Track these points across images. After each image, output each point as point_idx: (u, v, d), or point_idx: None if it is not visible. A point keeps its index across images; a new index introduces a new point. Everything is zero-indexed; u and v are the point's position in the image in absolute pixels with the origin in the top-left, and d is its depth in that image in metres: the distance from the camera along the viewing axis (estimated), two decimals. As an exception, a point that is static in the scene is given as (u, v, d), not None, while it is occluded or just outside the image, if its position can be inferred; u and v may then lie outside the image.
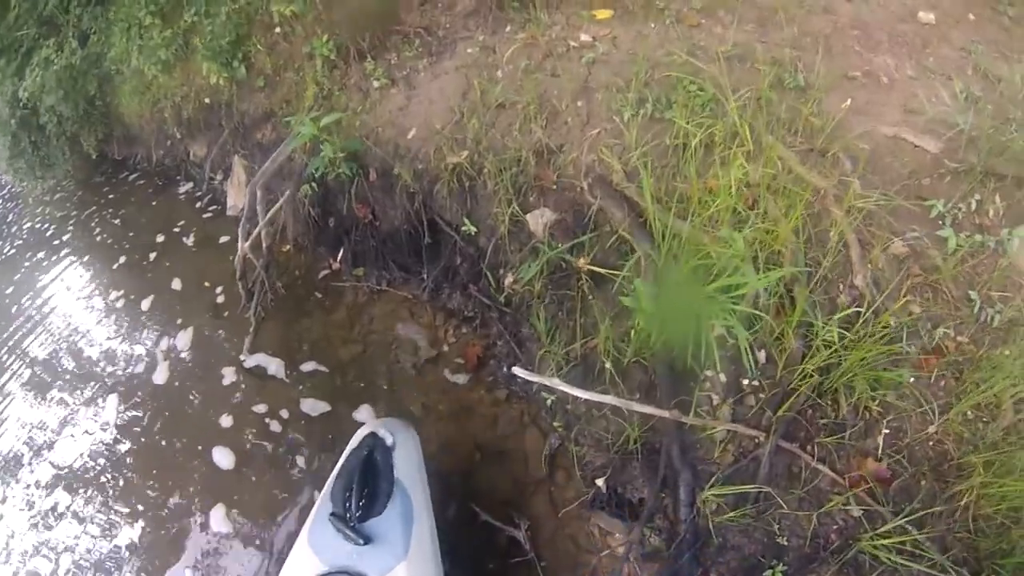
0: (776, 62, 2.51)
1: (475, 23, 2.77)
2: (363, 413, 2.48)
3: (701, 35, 2.64)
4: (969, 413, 1.96)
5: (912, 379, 1.98)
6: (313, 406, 2.54)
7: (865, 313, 1.96)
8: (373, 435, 1.94)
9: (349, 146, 2.61)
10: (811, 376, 1.90)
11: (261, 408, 2.57)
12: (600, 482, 2.06)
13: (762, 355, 1.98)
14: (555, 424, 2.19)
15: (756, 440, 1.90)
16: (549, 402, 2.25)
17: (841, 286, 2.06)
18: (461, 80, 2.59)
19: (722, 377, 1.98)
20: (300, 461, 2.41)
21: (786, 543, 1.88)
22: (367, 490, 1.79)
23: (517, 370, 2.07)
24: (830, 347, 1.92)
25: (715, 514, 1.90)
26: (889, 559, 1.80)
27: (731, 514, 1.87)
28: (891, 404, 1.94)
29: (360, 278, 2.70)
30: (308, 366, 2.63)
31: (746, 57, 2.54)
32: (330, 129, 2.64)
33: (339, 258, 2.82)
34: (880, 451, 1.89)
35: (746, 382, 1.97)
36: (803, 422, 1.92)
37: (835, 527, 1.88)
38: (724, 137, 2.19)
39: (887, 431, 1.92)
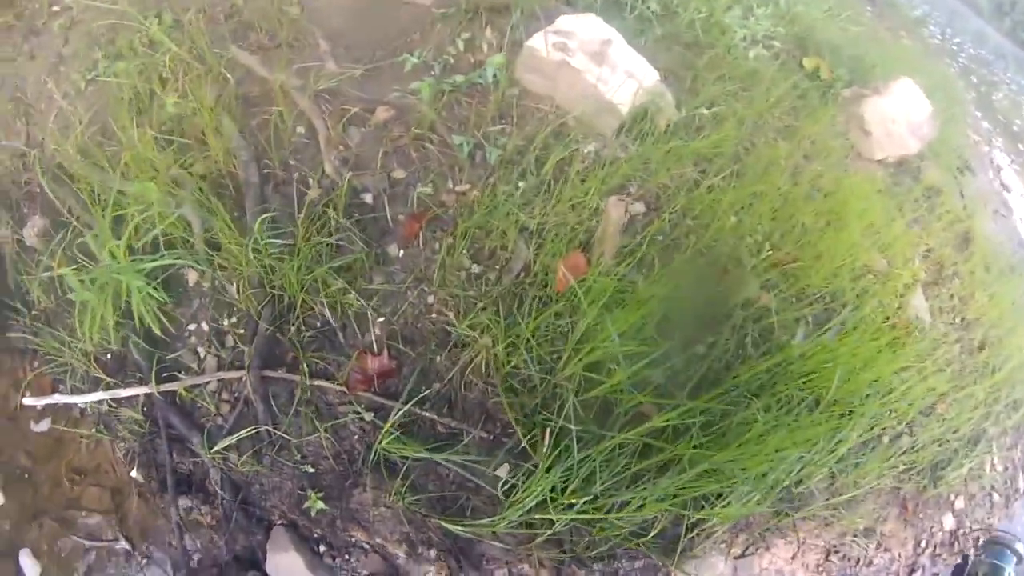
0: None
1: None
2: None
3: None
4: (474, 268, 1.75)
5: (401, 252, 1.77)
6: None
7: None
8: None
9: None
10: (271, 296, 1.69)
11: None
12: (134, 472, 1.87)
13: (233, 287, 1.78)
14: (95, 431, 2.02)
15: (242, 380, 1.71)
16: (86, 412, 2.07)
17: (312, 180, 1.84)
18: None
19: (204, 325, 1.78)
20: None
21: (313, 469, 1.68)
22: None
23: (27, 400, 1.90)
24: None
25: (239, 464, 1.72)
26: (413, 452, 1.59)
27: (244, 459, 1.66)
28: (375, 289, 1.72)
29: None
30: None
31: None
32: None
33: None
34: (376, 344, 1.68)
35: (226, 322, 1.77)
36: (290, 343, 1.70)
37: (356, 437, 1.68)
38: (174, 69, 1.98)
39: (382, 319, 1.70)
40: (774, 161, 2.30)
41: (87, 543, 2.03)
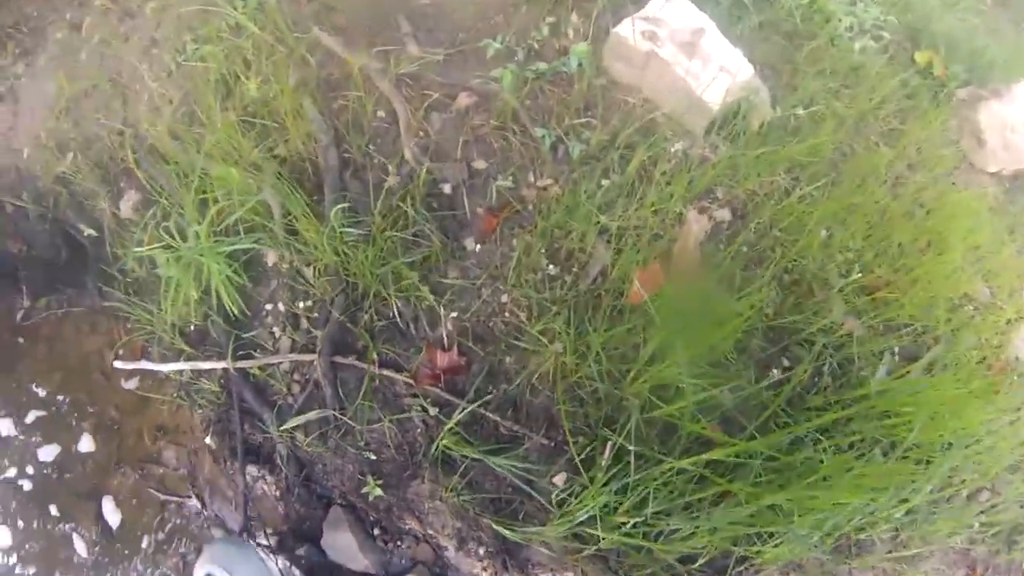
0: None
1: (61, 0, 2.53)
2: (85, 443, 2.52)
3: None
4: (551, 269, 1.71)
5: (478, 247, 1.74)
6: (48, 452, 2.49)
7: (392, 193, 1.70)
8: None
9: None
10: (345, 284, 1.71)
11: (11, 472, 2.48)
12: (208, 439, 1.98)
13: (310, 271, 1.79)
14: (176, 396, 2.12)
15: (313, 363, 1.74)
16: (170, 377, 2.14)
17: (391, 167, 1.82)
18: (54, 74, 2.38)
19: (281, 306, 1.82)
20: (54, 510, 2.45)
21: (374, 457, 1.72)
22: None
23: (117, 363, 2.02)
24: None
25: (305, 444, 1.77)
26: (473, 453, 1.59)
27: (310, 440, 1.72)
28: (449, 284, 1.71)
29: (47, 307, 2.72)
30: (31, 416, 2.53)
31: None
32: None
33: (25, 294, 2.86)
34: (446, 340, 1.68)
35: (301, 305, 1.80)
36: (361, 332, 1.72)
37: (419, 430, 1.70)
38: (257, 52, 1.97)
39: (454, 315, 1.70)
40: (874, 170, 2.10)
41: (162, 497, 2.19)
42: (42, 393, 2.61)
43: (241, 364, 1.75)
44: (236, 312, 1.78)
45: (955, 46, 2.57)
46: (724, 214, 1.81)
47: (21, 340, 2.81)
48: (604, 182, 1.75)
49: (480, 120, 1.80)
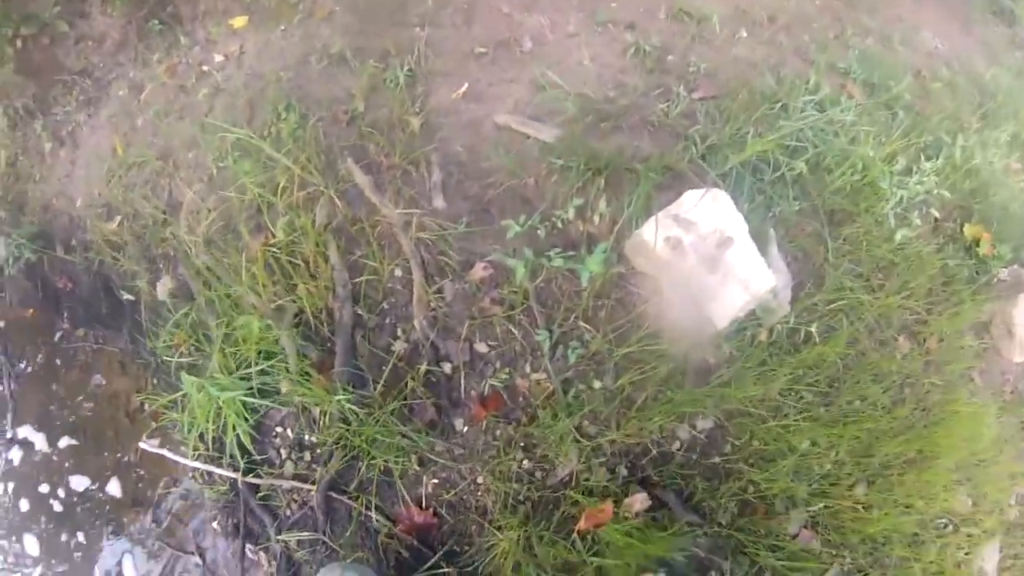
0: (385, 55, 2.36)
1: (125, 56, 2.78)
2: (114, 485, 2.86)
3: (325, 30, 2.50)
4: (525, 463, 2.00)
5: (466, 428, 2.03)
6: (79, 482, 2.91)
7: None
8: None
9: (24, 232, 2.83)
10: (348, 439, 2.03)
11: (44, 488, 2.92)
12: (215, 523, 2.44)
13: (316, 411, 2.13)
14: (192, 475, 2.54)
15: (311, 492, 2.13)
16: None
17: (400, 331, 2.09)
18: (111, 133, 2.66)
19: (289, 432, 2.17)
20: (81, 537, 2.80)
21: (355, 575, 2.15)
22: None
23: (142, 444, 2.47)
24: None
25: (298, 552, 2.19)
26: None
27: (301, 553, 2.15)
28: (433, 458, 2.01)
29: (83, 338, 3.15)
30: (64, 441, 2.98)
31: (363, 52, 2.40)
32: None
33: (65, 318, 3.28)
34: (424, 500, 2.02)
35: (307, 438, 2.15)
36: (355, 477, 2.07)
37: (392, 563, 2.07)
38: (289, 182, 2.18)
39: (435, 481, 2.02)
40: (884, 375, 2.24)
41: (169, 550, 2.67)
42: (72, 419, 3.12)
43: (249, 480, 2.15)
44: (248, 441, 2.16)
45: (1008, 220, 2.57)
46: (706, 423, 2.06)
47: (58, 361, 3.31)
48: (596, 384, 1.98)
49: (490, 299, 2.01)
